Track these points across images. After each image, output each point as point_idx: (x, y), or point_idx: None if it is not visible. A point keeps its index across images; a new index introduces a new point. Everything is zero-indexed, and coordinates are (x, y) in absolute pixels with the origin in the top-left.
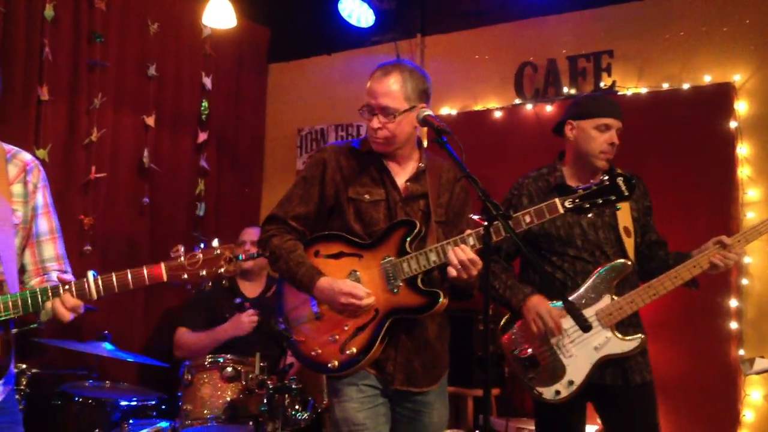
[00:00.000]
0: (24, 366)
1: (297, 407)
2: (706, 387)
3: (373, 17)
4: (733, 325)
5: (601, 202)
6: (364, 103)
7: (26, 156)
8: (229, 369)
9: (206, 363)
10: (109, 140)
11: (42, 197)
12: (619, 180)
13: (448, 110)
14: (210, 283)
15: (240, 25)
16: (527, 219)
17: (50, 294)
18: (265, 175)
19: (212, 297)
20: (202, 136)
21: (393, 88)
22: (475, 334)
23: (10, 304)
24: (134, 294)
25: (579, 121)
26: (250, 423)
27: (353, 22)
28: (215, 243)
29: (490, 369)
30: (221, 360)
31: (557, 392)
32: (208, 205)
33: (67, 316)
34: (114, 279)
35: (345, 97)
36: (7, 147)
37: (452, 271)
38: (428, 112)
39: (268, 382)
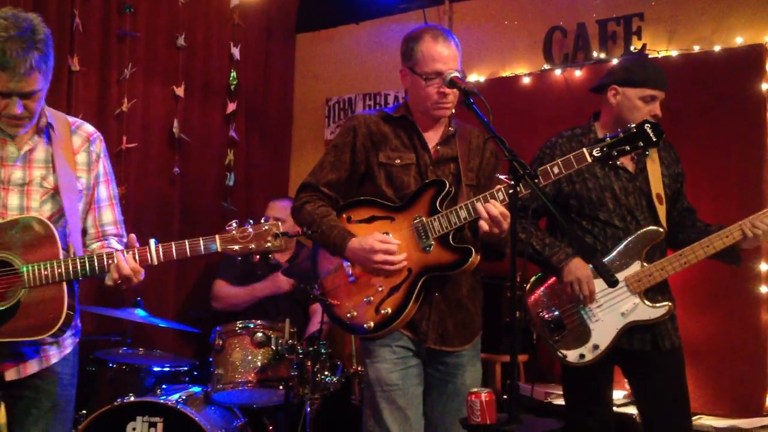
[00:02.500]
0: None
1: (326, 372)
2: (735, 351)
3: None
4: (764, 288)
5: (629, 149)
6: (432, 70)
7: (89, 128)
8: (260, 334)
9: (237, 329)
10: (139, 110)
11: (102, 166)
12: (647, 126)
13: (476, 77)
14: (258, 257)
15: None
16: (555, 170)
17: (115, 257)
18: (294, 144)
19: (245, 260)
20: (231, 107)
21: (456, 52)
22: (504, 300)
23: (78, 265)
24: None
25: (625, 88)
26: (281, 387)
27: None
28: (263, 220)
29: (517, 335)
30: (252, 325)
31: (582, 356)
32: (237, 175)
33: (128, 271)
34: (173, 247)
35: (373, 66)
36: (71, 119)
37: (483, 226)
38: (455, 73)
39: (298, 347)
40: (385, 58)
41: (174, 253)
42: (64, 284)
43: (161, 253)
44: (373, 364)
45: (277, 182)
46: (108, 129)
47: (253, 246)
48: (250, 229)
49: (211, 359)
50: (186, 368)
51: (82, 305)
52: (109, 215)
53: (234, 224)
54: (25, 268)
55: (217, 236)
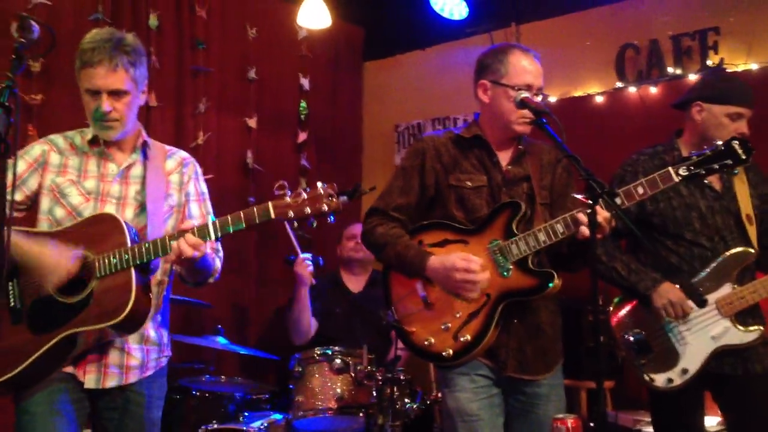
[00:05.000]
0: None
1: (406, 399)
2: None
3: (467, 9)
4: None
5: (717, 167)
6: (523, 82)
7: (183, 154)
8: (338, 361)
9: (315, 355)
10: (214, 143)
11: (193, 186)
12: (735, 143)
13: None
14: (315, 223)
15: (335, 26)
16: (640, 190)
17: (176, 236)
18: (365, 171)
19: (321, 291)
20: (302, 136)
21: (541, 70)
22: (585, 324)
23: (143, 248)
24: (247, 289)
25: (710, 105)
26: (361, 414)
27: (446, 15)
28: (319, 184)
29: (602, 359)
30: (330, 352)
31: (670, 380)
32: None
33: (190, 251)
34: (229, 218)
35: (441, 90)
36: (168, 147)
37: (584, 231)
38: (525, 94)
39: (377, 374)
40: (453, 82)
41: (230, 223)
42: (132, 270)
43: (218, 226)
44: (452, 393)
45: (349, 209)
46: None
47: (308, 209)
48: (304, 194)
49: (291, 386)
50: (267, 395)
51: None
52: None
53: (286, 186)
54: (95, 259)
55: (270, 203)
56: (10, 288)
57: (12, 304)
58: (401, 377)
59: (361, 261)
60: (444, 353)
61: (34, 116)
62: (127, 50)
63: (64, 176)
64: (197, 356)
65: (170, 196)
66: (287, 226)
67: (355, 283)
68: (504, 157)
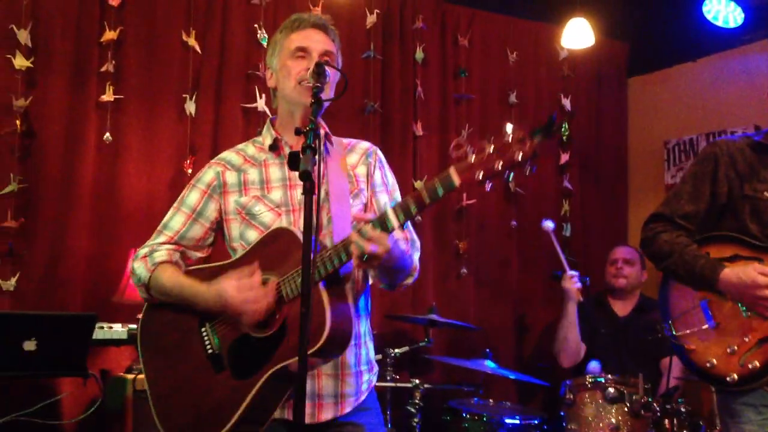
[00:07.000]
0: (417, 381)
1: None
2: None
3: (743, 15)
4: None
5: None
6: None
7: (365, 144)
8: (612, 390)
9: (587, 383)
10: None
11: (379, 176)
12: None
13: None
14: (511, 177)
15: (597, 44)
16: None
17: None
18: (631, 191)
19: (587, 311)
20: (564, 157)
21: None
22: None
23: (326, 257)
24: (509, 311)
25: None
26: None
27: (719, 23)
28: (508, 128)
29: None
30: (602, 380)
31: None
32: (574, 226)
33: (368, 247)
34: (409, 199)
35: (715, 103)
36: (347, 140)
37: None
38: None
39: (654, 405)
40: (729, 93)
41: (411, 204)
42: (320, 285)
43: (399, 210)
44: (737, 425)
45: (614, 231)
46: None
47: (499, 165)
48: (488, 146)
49: (562, 413)
50: (537, 421)
51: (436, 356)
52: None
53: (467, 146)
54: (279, 283)
55: (451, 168)
56: (204, 333)
57: (210, 351)
58: (682, 409)
59: (623, 289)
60: (728, 378)
61: None
62: (333, 28)
63: (248, 194)
64: (465, 378)
65: (361, 192)
66: (554, 240)
67: (621, 307)
68: None
